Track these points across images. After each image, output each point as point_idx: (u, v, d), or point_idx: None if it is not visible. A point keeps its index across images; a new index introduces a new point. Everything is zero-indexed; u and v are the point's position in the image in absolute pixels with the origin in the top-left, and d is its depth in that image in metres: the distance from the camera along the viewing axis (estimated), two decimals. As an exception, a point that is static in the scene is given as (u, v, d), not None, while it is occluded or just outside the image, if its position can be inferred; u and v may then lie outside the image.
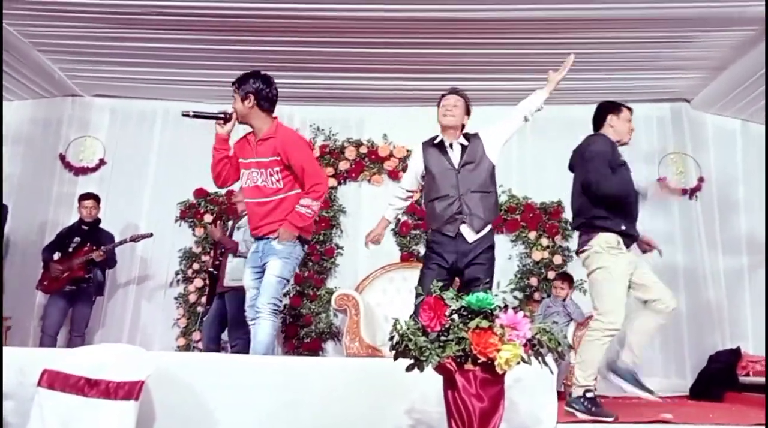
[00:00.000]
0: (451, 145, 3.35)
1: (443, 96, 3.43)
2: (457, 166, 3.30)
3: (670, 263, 5.44)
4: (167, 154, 5.79)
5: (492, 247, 3.34)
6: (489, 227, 3.33)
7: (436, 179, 3.32)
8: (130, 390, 2.14)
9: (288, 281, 3.31)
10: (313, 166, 3.25)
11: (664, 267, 5.42)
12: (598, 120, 3.48)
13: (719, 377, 4.86)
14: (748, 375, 4.86)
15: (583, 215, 3.27)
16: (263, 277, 3.21)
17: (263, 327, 3.13)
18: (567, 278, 4.89)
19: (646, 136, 5.75)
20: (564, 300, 4.79)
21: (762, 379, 4.75)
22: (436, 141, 3.39)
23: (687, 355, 5.27)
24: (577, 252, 3.41)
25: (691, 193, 5.59)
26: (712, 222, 5.54)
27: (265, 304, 3.14)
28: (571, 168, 3.50)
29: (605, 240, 3.14)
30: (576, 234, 5.45)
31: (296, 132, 3.49)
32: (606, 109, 3.49)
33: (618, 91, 5.50)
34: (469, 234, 3.25)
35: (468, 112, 3.41)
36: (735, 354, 4.99)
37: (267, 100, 3.22)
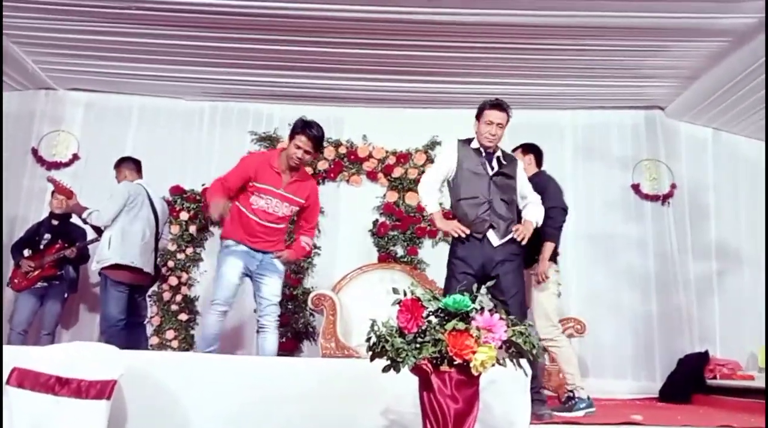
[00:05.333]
0: (487, 155, 3.33)
1: (489, 107, 3.29)
2: (491, 173, 3.30)
3: (641, 268, 5.56)
4: (143, 151, 5.68)
5: (519, 255, 3.32)
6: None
7: (467, 180, 3.29)
8: (102, 389, 2.11)
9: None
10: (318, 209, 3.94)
11: (637, 272, 5.55)
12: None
13: (687, 379, 4.97)
14: (715, 377, 4.98)
15: None
16: (261, 288, 3.63)
17: (273, 340, 3.60)
18: None
19: (620, 143, 5.85)
20: None
21: (728, 382, 4.88)
22: (473, 145, 3.35)
23: (657, 358, 5.36)
24: None
25: (664, 199, 5.70)
26: (684, 229, 5.65)
27: (272, 321, 3.61)
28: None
29: None
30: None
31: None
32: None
33: (594, 98, 5.62)
34: (494, 239, 3.24)
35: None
36: (703, 358, 5.10)
37: None
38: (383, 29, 4.48)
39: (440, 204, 3.46)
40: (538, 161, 4.00)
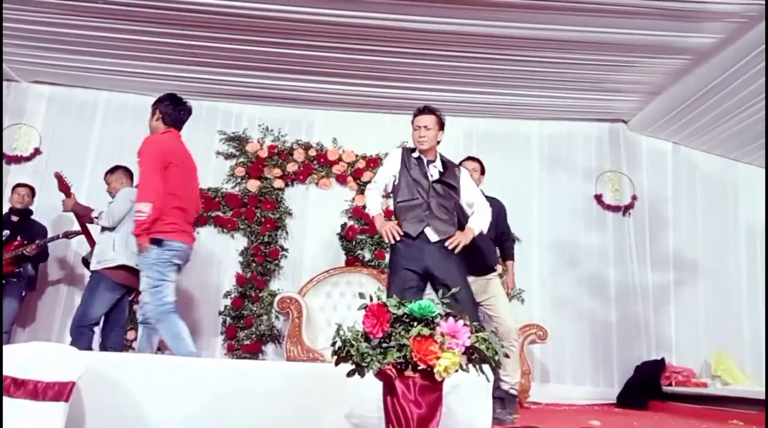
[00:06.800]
0: (428, 163, 3.42)
1: (415, 115, 3.45)
2: (431, 179, 3.38)
3: (602, 276, 5.69)
4: (107, 147, 5.59)
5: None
6: (453, 230, 3.36)
7: (408, 185, 3.37)
8: (59, 391, 2.07)
9: (158, 287, 3.36)
10: (142, 168, 3.40)
11: (598, 280, 5.68)
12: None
13: (644, 386, 5.11)
14: (670, 384, 5.12)
15: None
16: None
17: (156, 337, 3.47)
18: None
19: (585, 154, 5.99)
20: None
21: (683, 389, 5.03)
22: (415, 155, 3.45)
23: (615, 365, 5.49)
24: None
25: (625, 209, 5.85)
26: (643, 239, 5.81)
27: (145, 320, 3.41)
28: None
29: None
30: (516, 245, 5.65)
31: (159, 139, 3.51)
32: None
33: (561, 109, 5.74)
34: (433, 236, 3.29)
35: (442, 127, 3.45)
36: (659, 365, 5.25)
37: (170, 117, 3.62)
38: (356, 34, 4.50)
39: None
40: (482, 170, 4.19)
